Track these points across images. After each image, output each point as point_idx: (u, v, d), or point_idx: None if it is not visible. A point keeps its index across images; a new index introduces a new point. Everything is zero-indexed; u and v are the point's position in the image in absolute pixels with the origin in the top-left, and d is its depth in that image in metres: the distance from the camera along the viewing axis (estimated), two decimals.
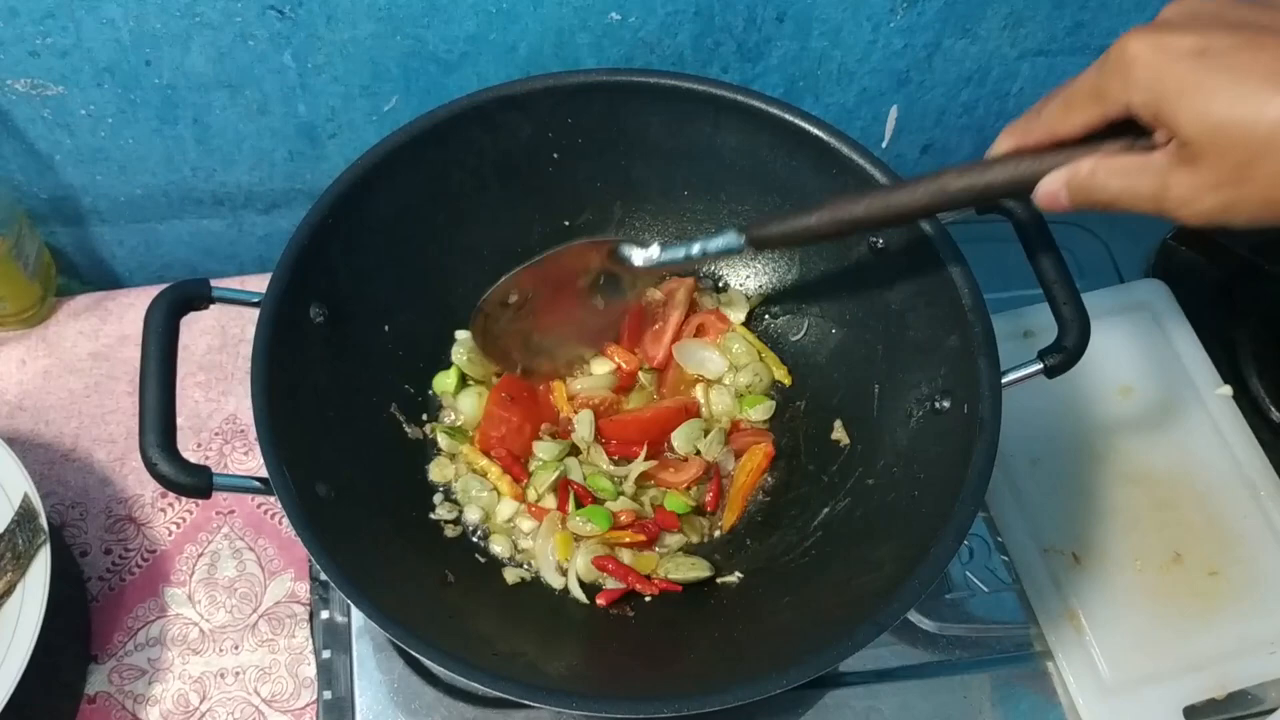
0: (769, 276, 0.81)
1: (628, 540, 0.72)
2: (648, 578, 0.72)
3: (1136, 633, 0.75)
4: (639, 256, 0.69)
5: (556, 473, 0.74)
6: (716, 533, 0.76)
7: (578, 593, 0.71)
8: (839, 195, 0.59)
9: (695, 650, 0.68)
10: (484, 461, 0.75)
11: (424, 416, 0.77)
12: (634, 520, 0.73)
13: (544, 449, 0.75)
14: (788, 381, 0.80)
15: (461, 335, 0.79)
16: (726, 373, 0.80)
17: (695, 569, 0.72)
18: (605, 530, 0.72)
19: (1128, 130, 0.47)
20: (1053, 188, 0.50)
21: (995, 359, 0.64)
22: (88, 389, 0.85)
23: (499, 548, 0.73)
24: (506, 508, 0.74)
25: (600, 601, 0.71)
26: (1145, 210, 0.47)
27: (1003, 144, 0.52)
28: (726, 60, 0.87)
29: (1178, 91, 0.43)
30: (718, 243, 0.64)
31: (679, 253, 0.67)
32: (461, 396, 0.77)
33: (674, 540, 0.74)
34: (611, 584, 0.72)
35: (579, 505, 0.74)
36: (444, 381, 0.78)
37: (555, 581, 0.71)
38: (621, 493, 0.74)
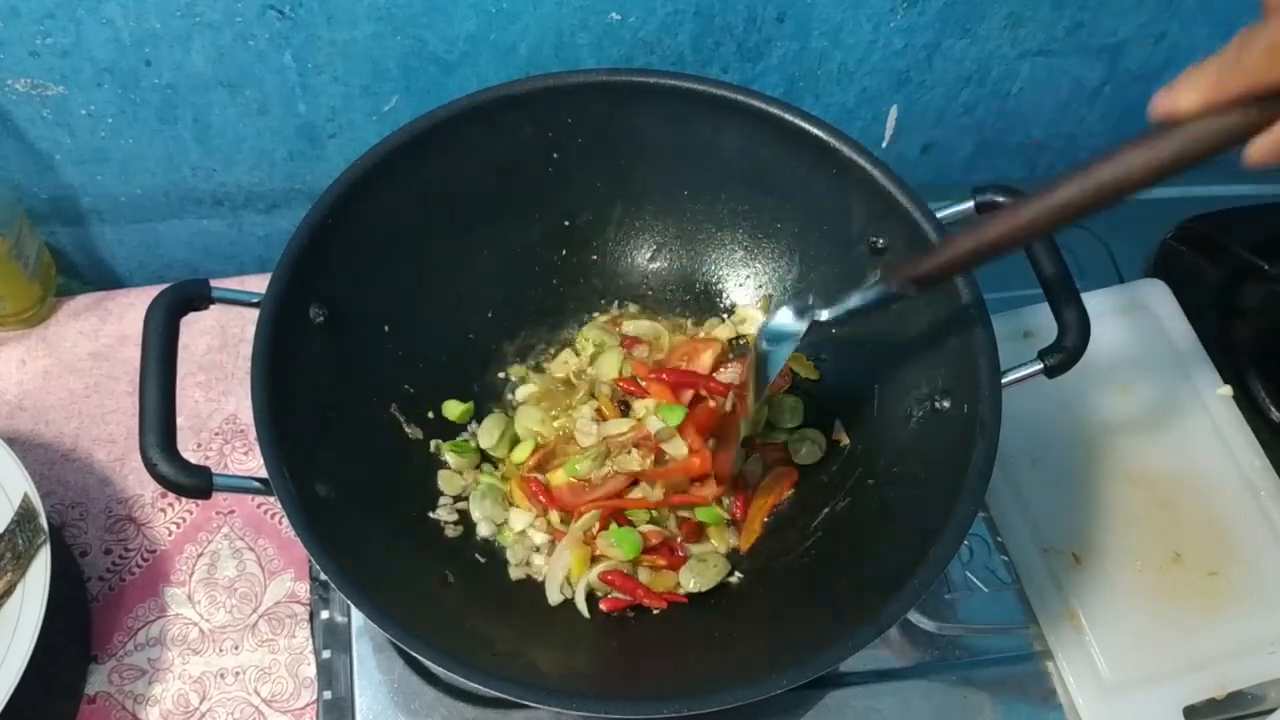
0: (768, 277, 0.81)
1: (650, 563, 0.72)
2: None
3: (1136, 633, 0.75)
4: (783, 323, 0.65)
5: (589, 516, 0.73)
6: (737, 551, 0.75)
7: (582, 608, 0.70)
8: (998, 213, 0.53)
9: (695, 650, 0.68)
10: (507, 485, 0.75)
11: (429, 415, 0.76)
12: (661, 542, 0.72)
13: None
14: (815, 377, 0.79)
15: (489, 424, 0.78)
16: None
17: (716, 568, 0.72)
18: (633, 557, 0.71)
19: None
20: (1265, 153, 0.43)
21: (995, 359, 0.64)
22: (88, 389, 0.85)
23: (512, 556, 0.73)
24: (519, 519, 0.74)
25: (603, 607, 0.71)
26: None
27: (1188, 97, 0.44)
28: (726, 60, 0.87)
29: None
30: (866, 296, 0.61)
31: (836, 312, 0.63)
32: (486, 426, 0.77)
33: (700, 550, 0.74)
34: (616, 594, 0.71)
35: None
36: (453, 409, 0.77)
37: (554, 597, 0.71)
38: (654, 520, 0.74)
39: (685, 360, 0.80)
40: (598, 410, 0.77)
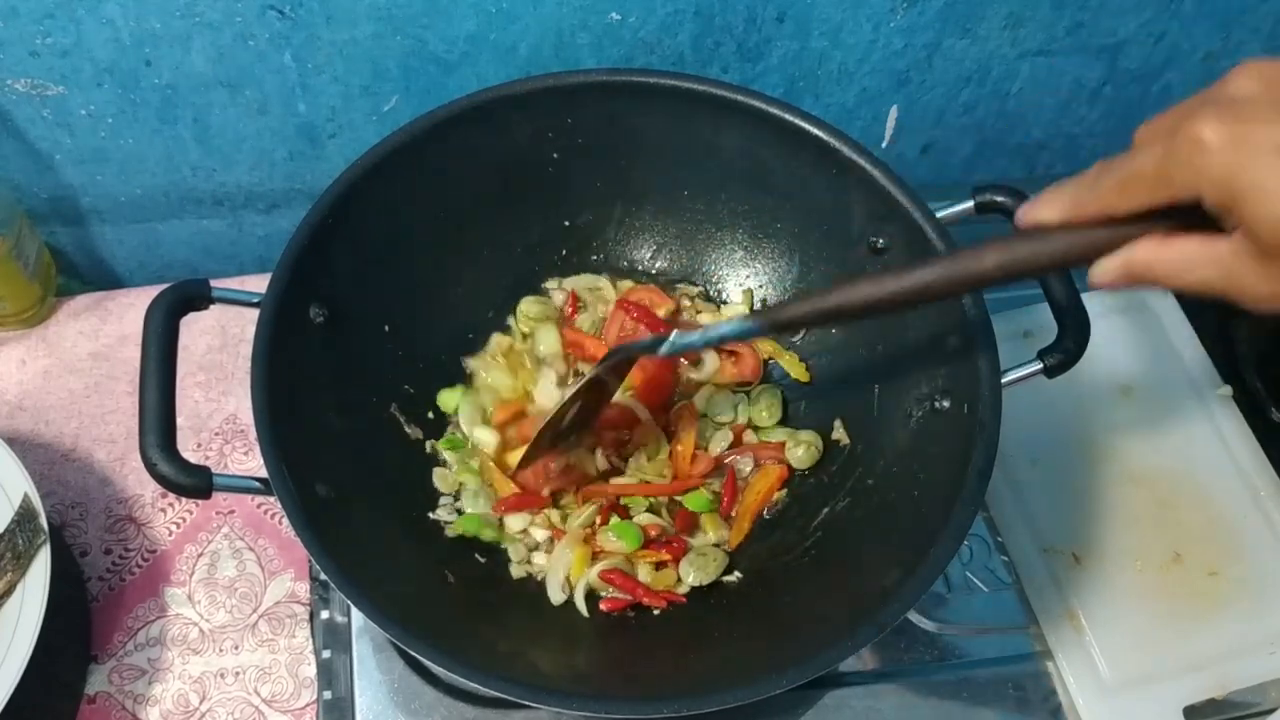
0: (768, 276, 0.81)
1: (651, 558, 0.72)
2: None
3: (1136, 633, 0.75)
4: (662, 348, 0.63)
5: (589, 512, 0.73)
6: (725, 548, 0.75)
7: (581, 607, 0.70)
8: (862, 275, 0.54)
9: (695, 650, 0.68)
10: (497, 477, 0.75)
11: (430, 415, 0.76)
12: (659, 534, 0.72)
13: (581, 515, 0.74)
14: (805, 379, 0.79)
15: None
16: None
17: (715, 562, 0.72)
18: (635, 549, 0.71)
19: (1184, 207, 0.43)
20: (1108, 277, 0.46)
21: (995, 359, 0.64)
22: (88, 389, 0.85)
23: (514, 554, 0.73)
24: (516, 520, 0.73)
25: (602, 606, 0.71)
26: (1206, 292, 0.44)
27: (1048, 211, 0.47)
28: (726, 60, 0.87)
29: (1260, 191, 0.39)
30: (732, 327, 0.60)
31: (694, 338, 0.61)
32: (461, 407, 0.76)
33: (699, 543, 0.74)
34: (616, 593, 0.71)
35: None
36: (449, 399, 0.77)
37: (555, 597, 0.70)
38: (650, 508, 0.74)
39: (643, 301, 0.80)
40: (560, 377, 0.78)
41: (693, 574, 0.71)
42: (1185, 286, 0.45)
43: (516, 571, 0.72)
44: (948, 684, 0.74)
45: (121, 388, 0.85)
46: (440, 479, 0.74)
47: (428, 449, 0.75)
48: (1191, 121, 0.41)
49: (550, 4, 0.79)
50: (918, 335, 0.71)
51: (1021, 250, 0.48)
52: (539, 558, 0.73)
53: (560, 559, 0.71)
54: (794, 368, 0.80)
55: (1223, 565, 0.79)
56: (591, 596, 0.71)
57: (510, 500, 0.73)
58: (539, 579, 0.72)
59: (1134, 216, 0.45)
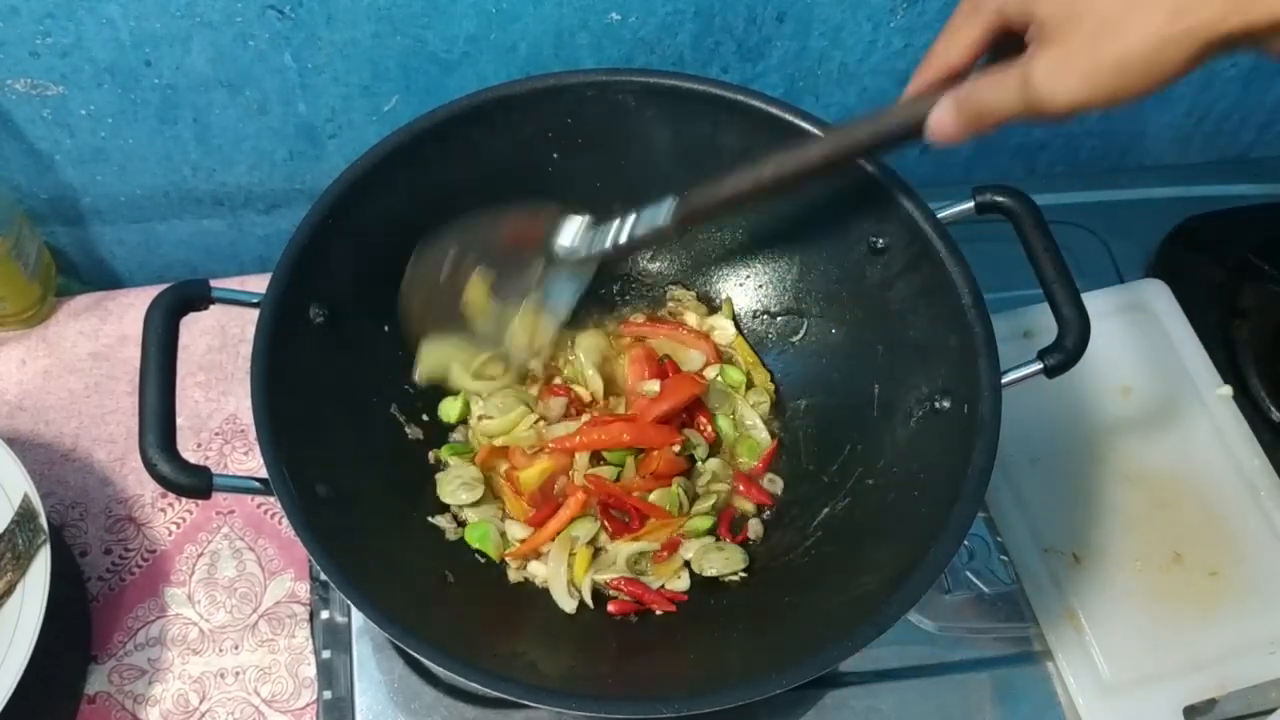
0: (768, 276, 0.81)
1: (667, 569, 0.72)
2: (661, 587, 0.71)
3: (1136, 633, 0.76)
4: (564, 242, 0.68)
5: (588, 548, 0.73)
6: None
7: (589, 601, 0.70)
8: (748, 162, 0.61)
9: (696, 650, 0.68)
10: (499, 481, 0.75)
11: (425, 417, 0.77)
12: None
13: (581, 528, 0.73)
14: (768, 401, 0.80)
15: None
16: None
17: (730, 562, 0.72)
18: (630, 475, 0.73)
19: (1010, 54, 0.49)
20: (940, 114, 0.52)
21: (995, 359, 0.64)
22: (88, 389, 0.85)
23: (511, 560, 0.73)
24: (517, 530, 0.73)
25: (611, 609, 0.71)
26: (1017, 111, 0.48)
27: (912, 89, 0.54)
28: (726, 60, 0.87)
29: None
30: (643, 222, 0.65)
31: (605, 241, 0.66)
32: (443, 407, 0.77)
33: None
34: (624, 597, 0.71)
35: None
36: (449, 409, 0.77)
37: (566, 605, 0.70)
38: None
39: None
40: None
41: (706, 567, 0.71)
42: (1001, 106, 0.49)
43: (514, 577, 0.72)
44: (948, 684, 0.74)
45: (121, 388, 0.85)
46: (442, 484, 0.74)
47: (431, 459, 0.75)
48: None
49: (550, 4, 0.79)
50: (918, 335, 0.71)
51: (880, 123, 0.56)
52: (534, 566, 0.72)
53: (556, 569, 0.70)
54: (762, 386, 0.80)
55: (1223, 565, 0.79)
56: (599, 597, 0.71)
57: (531, 518, 0.73)
58: (538, 585, 0.72)
59: (972, 63, 0.51)
